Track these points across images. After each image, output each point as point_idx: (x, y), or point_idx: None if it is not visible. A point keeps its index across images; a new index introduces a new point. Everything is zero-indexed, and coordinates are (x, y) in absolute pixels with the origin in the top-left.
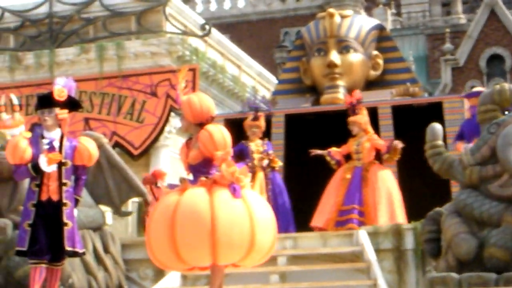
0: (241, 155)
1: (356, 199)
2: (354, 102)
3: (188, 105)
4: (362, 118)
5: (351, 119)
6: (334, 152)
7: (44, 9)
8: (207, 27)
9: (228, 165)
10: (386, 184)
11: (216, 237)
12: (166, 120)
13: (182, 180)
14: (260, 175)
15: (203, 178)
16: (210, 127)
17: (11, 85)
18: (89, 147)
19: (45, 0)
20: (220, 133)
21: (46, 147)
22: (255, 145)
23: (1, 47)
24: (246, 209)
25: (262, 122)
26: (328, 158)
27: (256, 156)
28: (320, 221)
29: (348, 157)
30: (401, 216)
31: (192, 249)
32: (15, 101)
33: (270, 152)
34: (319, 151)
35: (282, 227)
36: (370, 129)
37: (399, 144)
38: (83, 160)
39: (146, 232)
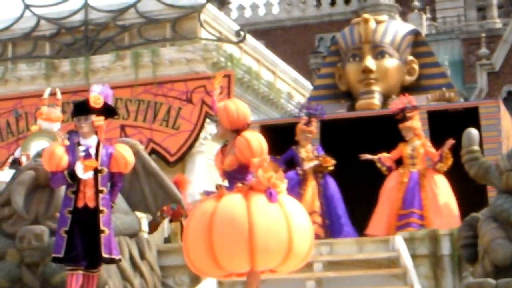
0: (291, 161)
1: (415, 203)
2: (409, 106)
3: (224, 112)
4: (417, 123)
5: (407, 124)
6: (385, 158)
7: (79, 17)
8: (242, 33)
9: (264, 171)
10: (444, 189)
11: (254, 243)
12: (202, 127)
13: (218, 186)
14: (312, 183)
15: (239, 185)
16: (246, 134)
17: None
18: (125, 154)
19: (81, 8)
20: (257, 140)
21: (83, 154)
22: (305, 151)
23: (37, 55)
24: (283, 215)
25: (314, 128)
26: (379, 165)
27: (306, 164)
28: (378, 230)
29: (398, 162)
30: (458, 222)
31: (230, 256)
32: (59, 96)
33: (321, 154)
34: (369, 156)
35: (336, 233)
36: (422, 134)
37: (449, 143)
38: (119, 167)
39: (183, 239)
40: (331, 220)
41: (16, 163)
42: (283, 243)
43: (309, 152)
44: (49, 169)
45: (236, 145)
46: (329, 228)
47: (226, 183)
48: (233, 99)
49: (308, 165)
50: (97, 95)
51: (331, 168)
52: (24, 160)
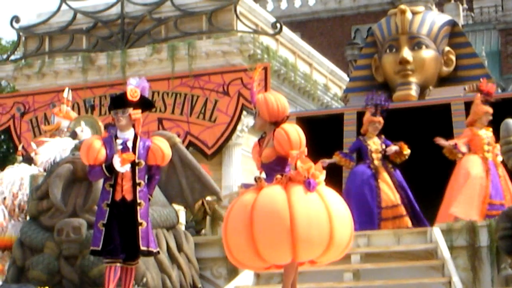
0: (358, 153)
1: (501, 194)
2: (492, 91)
3: (264, 103)
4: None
5: (488, 109)
6: (460, 145)
7: (115, 10)
8: (278, 25)
9: (303, 162)
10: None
11: (296, 234)
12: (238, 119)
13: (258, 178)
14: (385, 175)
15: (278, 176)
16: (286, 126)
17: (84, 86)
18: (162, 147)
19: (117, 1)
20: (296, 133)
21: (120, 147)
22: (374, 143)
23: (73, 48)
24: (324, 205)
25: (381, 118)
26: (455, 151)
27: (375, 156)
28: (471, 214)
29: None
30: None
31: (272, 247)
32: (65, 94)
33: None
34: (444, 142)
35: (422, 222)
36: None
37: None
38: (157, 160)
39: (223, 231)
40: (414, 210)
41: (74, 135)
42: (324, 234)
43: (377, 145)
44: (87, 162)
45: (275, 137)
46: (416, 218)
47: (263, 175)
48: (272, 91)
49: (391, 150)
50: (134, 88)
51: (407, 156)
52: (79, 131)
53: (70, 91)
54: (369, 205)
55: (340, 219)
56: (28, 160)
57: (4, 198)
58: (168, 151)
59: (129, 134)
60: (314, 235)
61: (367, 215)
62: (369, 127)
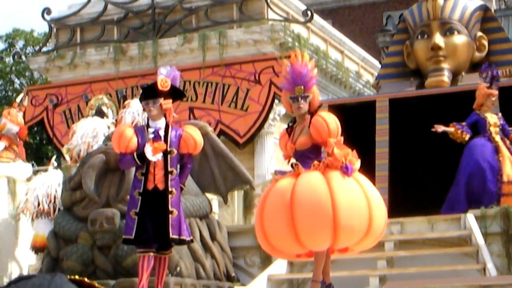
0: (475, 127)
1: None
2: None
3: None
4: None
5: (495, 92)
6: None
7: (146, 0)
8: (309, 13)
9: (340, 149)
10: None
11: (338, 221)
12: (270, 108)
13: (295, 165)
14: (504, 149)
15: (316, 162)
16: (324, 114)
17: (116, 77)
18: (194, 135)
19: None
20: (334, 121)
21: (151, 136)
22: (491, 117)
23: (105, 39)
24: (363, 193)
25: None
26: (458, 132)
27: (493, 129)
28: None
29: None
30: None
31: (314, 233)
32: (18, 99)
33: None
34: (444, 128)
35: None
36: None
37: None
38: (189, 148)
39: (258, 218)
40: None
41: (101, 114)
42: (364, 221)
43: (495, 119)
44: (118, 151)
45: (313, 124)
46: None
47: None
48: None
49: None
50: (165, 78)
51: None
52: (104, 109)
53: (26, 97)
54: (487, 180)
55: (377, 206)
56: (100, 113)
57: (80, 151)
58: (200, 140)
59: (160, 123)
60: (355, 222)
61: (485, 190)
62: (485, 101)
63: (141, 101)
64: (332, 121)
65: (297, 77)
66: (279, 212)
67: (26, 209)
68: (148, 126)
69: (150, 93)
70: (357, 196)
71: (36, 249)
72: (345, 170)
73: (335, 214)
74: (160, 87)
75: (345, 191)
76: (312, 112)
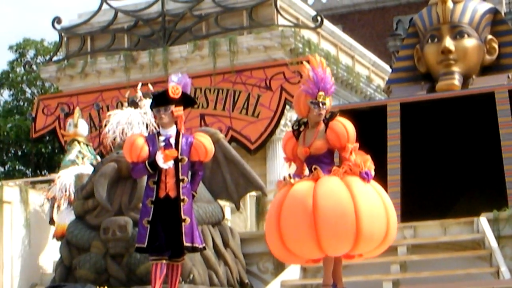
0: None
1: None
2: None
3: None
4: None
5: None
6: None
7: (156, 8)
8: (319, 18)
9: (358, 154)
10: None
11: (360, 228)
12: (282, 113)
13: (314, 169)
14: None
15: (336, 168)
16: (342, 120)
17: (127, 85)
18: (205, 143)
19: None
20: (352, 127)
21: (163, 144)
22: None
23: (115, 48)
24: (381, 200)
25: None
26: None
27: None
28: None
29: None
30: None
31: (336, 239)
32: None
33: None
34: None
35: None
36: None
37: None
38: (200, 156)
39: (275, 221)
40: None
41: (134, 104)
42: (383, 228)
43: None
44: (130, 160)
45: (333, 129)
46: None
47: (293, 167)
48: None
49: None
50: (176, 85)
51: None
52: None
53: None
54: None
55: (392, 213)
56: (134, 103)
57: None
58: (210, 147)
59: (171, 131)
60: (376, 229)
61: None
62: None
63: (152, 109)
64: (351, 127)
65: (320, 82)
66: (300, 217)
67: (53, 197)
68: (159, 134)
69: (161, 101)
70: (377, 203)
71: (58, 238)
72: (365, 176)
73: (358, 220)
74: (171, 95)
75: (366, 198)
76: (326, 118)
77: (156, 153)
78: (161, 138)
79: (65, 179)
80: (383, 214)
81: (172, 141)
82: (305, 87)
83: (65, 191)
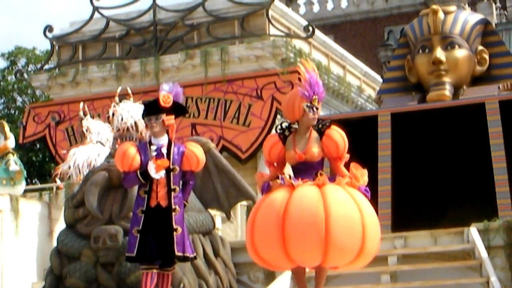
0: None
1: None
2: None
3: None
4: None
5: None
6: None
7: (148, 17)
8: (310, 28)
9: (356, 168)
10: None
11: (329, 240)
12: (273, 123)
13: (320, 174)
14: None
15: (339, 178)
16: (338, 129)
17: (118, 94)
18: (196, 153)
19: (149, 8)
20: (345, 136)
21: (154, 153)
22: None
23: (107, 56)
24: (359, 213)
25: None
26: None
27: None
28: None
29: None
30: None
31: (303, 250)
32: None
33: None
34: None
35: None
36: None
37: None
38: (191, 166)
39: (249, 229)
40: None
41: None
42: (357, 242)
43: None
44: (121, 169)
45: (332, 138)
46: None
47: (267, 171)
48: None
49: None
50: (167, 94)
51: None
52: None
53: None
54: None
55: (372, 227)
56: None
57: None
58: (202, 157)
59: (163, 140)
60: (347, 242)
61: None
62: None
63: (143, 118)
64: (345, 138)
65: (315, 85)
66: (270, 225)
67: (64, 175)
68: (150, 143)
69: (152, 109)
70: (352, 215)
71: None
72: (365, 193)
73: (327, 231)
74: (162, 103)
75: (339, 209)
76: (318, 126)
77: (148, 162)
78: (153, 147)
79: (78, 159)
80: (358, 228)
81: (164, 150)
82: (302, 89)
83: (79, 172)
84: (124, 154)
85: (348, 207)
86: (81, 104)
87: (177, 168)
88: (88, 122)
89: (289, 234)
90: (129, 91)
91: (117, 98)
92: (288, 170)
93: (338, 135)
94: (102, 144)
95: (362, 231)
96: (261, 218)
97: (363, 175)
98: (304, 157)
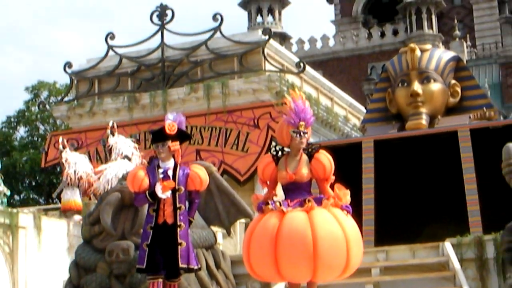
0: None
1: None
2: None
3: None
4: None
5: None
6: None
7: (157, 55)
8: (301, 64)
9: (340, 188)
10: None
11: (317, 260)
12: (268, 149)
13: (308, 200)
14: None
15: (326, 201)
16: (325, 153)
17: (130, 123)
18: (199, 174)
19: (158, 47)
20: (332, 160)
21: (161, 176)
22: None
23: (120, 90)
24: (342, 233)
25: None
26: None
27: None
28: None
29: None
30: None
31: (293, 268)
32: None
33: None
34: None
35: None
36: None
37: None
38: (195, 186)
39: (246, 247)
40: None
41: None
42: (342, 260)
43: None
44: (132, 190)
45: (320, 161)
46: None
47: (265, 190)
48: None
49: None
50: (171, 122)
51: None
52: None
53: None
54: None
55: (355, 245)
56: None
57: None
58: (205, 177)
59: (170, 164)
60: (334, 260)
61: None
62: None
63: (152, 144)
64: (332, 161)
65: (301, 113)
66: (264, 245)
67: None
68: (159, 166)
69: (159, 137)
70: (337, 236)
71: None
72: (347, 209)
73: (315, 253)
74: (167, 131)
75: (327, 231)
76: (308, 150)
77: (156, 184)
78: (160, 170)
79: (108, 175)
80: (342, 246)
81: (170, 173)
82: (287, 118)
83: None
84: (135, 176)
85: (333, 228)
86: (60, 138)
87: (182, 189)
88: (67, 154)
89: (281, 255)
90: (115, 126)
91: (108, 131)
92: (279, 189)
93: (325, 158)
94: (128, 159)
95: (346, 248)
96: (256, 240)
97: (345, 195)
98: (294, 178)
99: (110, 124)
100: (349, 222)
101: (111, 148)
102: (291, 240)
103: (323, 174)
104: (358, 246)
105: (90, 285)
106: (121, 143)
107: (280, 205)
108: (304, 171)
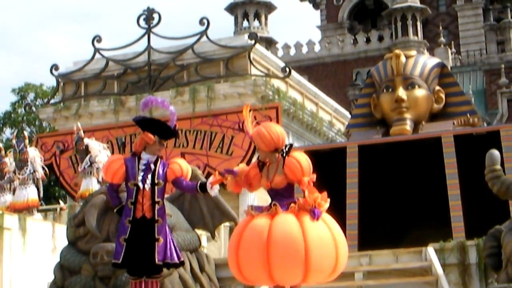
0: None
1: None
2: None
3: (258, 137)
4: None
5: None
6: None
7: (143, 58)
8: (287, 69)
9: (310, 192)
10: None
11: (309, 263)
12: (253, 153)
13: (274, 205)
14: None
15: (292, 205)
16: (296, 154)
17: (116, 126)
18: (177, 160)
19: (144, 50)
20: (306, 160)
21: (143, 167)
22: None
23: (106, 92)
24: (331, 235)
25: None
26: None
27: None
28: None
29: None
30: None
31: (286, 272)
32: None
33: None
34: None
35: None
36: None
37: None
38: (175, 173)
39: (234, 252)
40: None
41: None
42: (332, 262)
43: None
44: (106, 179)
45: (287, 165)
46: None
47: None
48: (264, 123)
49: None
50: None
51: None
52: None
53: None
54: None
55: (343, 247)
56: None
57: None
58: (185, 164)
59: (153, 158)
60: (324, 262)
61: None
62: None
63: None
64: (304, 160)
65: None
66: (255, 249)
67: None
68: (139, 157)
69: (167, 135)
70: (326, 239)
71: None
72: (313, 215)
73: (307, 254)
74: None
75: (315, 234)
76: (282, 151)
77: (135, 174)
78: (143, 161)
79: None
80: (332, 248)
81: (152, 166)
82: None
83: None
84: (110, 164)
85: (322, 231)
86: (78, 124)
87: (161, 183)
88: (90, 142)
89: (274, 258)
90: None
91: (81, 132)
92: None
93: (293, 161)
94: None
95: (335, 251)
96: (246, 243)
97: (315, 199)
98: (270, 185)
99: (76, 127)
100: (336, 225)
101: (87, 147)
102: (283, 243)
103: (294, 177)
104: (345, 248)
105: (74, 287)
106: (93, 144)
107: (252, 209)
108: (278, 178)
